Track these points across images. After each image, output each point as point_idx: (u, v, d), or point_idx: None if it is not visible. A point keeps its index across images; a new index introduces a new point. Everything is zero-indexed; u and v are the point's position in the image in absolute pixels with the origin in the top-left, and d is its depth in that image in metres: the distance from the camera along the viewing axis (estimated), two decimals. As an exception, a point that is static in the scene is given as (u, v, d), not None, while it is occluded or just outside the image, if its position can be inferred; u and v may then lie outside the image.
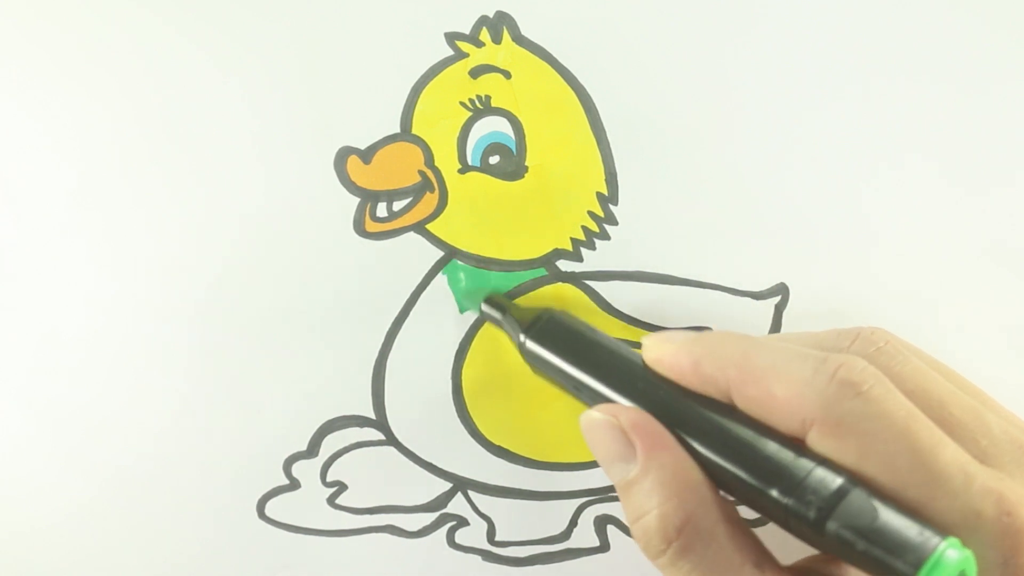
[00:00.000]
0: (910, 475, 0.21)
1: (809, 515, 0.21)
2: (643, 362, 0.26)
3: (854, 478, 0.22)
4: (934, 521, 0.20)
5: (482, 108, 0.30)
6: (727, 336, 0.25)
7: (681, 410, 0.25)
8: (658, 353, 0.25)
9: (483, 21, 0.29)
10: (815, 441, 0.22)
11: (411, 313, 0.31)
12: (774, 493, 0.22)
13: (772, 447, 0.23)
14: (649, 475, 0.23)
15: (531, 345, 0.28)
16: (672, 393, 0.25)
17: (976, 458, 0.22)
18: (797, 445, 0.23)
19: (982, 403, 0.24)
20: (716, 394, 0.24)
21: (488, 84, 0.30)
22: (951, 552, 0.20)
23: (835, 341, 0.25)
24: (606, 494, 0.32)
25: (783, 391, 0.22)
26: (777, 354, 0.23)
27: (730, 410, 0.24)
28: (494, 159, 0.30)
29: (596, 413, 0.25)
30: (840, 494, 0.21)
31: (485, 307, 0.30)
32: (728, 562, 0.23)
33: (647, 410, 0.25)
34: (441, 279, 0.31)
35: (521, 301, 0.31)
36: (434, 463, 0.32)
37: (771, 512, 0.23)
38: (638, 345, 0.29)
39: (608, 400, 0.26)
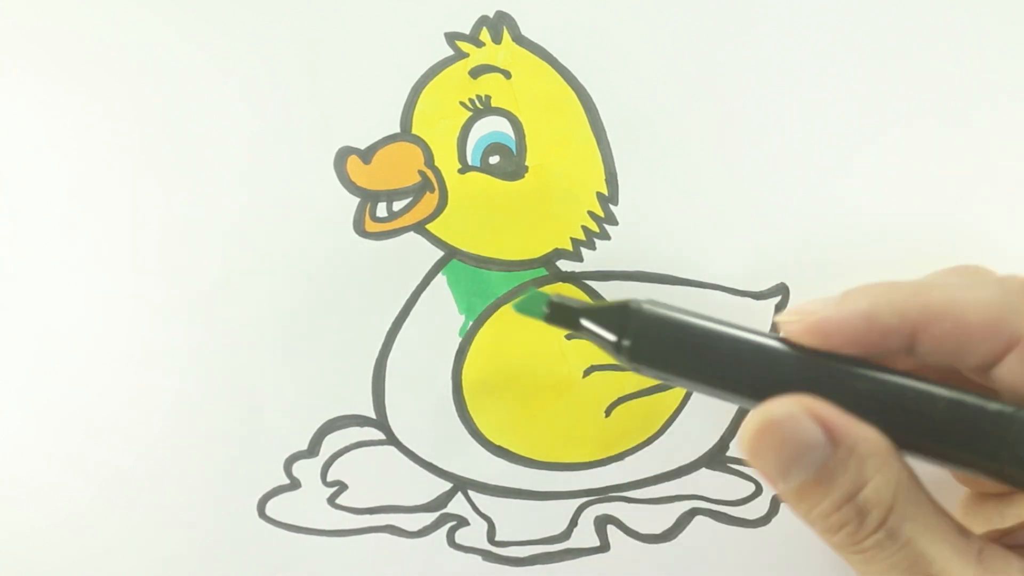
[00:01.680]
0: None
1: None
2: (780, 345, 0.23)
3: None
4: None
5: (482, 108, 0.30)
6: (884, 284, 0.23)
7: (853, 383, 0.22)
8: (816, 320, 0.22)
9: (483, 21, 0.29)
10: (1016, 364, 0.21)
11: (411, 313, 0.31)
12: (986, 434, 0.21)
13: (971, 400, 0.21)
14: (854, 451, 0.21)
15: (643, 370, 0.23)
16: (834, 367, 0.22)
17: None
18: (987, 390, 0.21)
19: None
20: (896, 345, 0.22)
21: (488, 84, 0.30)
22: None
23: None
24: (606, 494, 0.32)
25: (977, 316, 0.21)
26: (950, 287, 0.22)
27: (905, 374, 0.22)
28: (494, 159, 0.30)
29: (775, 407, 0.22)
30: None
31: (548, 315, 0.24)
32: (938, 530, 0.21)
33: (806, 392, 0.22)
34: (441, 279, 0.31)
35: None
36: (434, 463, 0.32)
37: (983, 467, 0.21)
38: None
39: (758, 380, 0.23)
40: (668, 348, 0.23)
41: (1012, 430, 0.21)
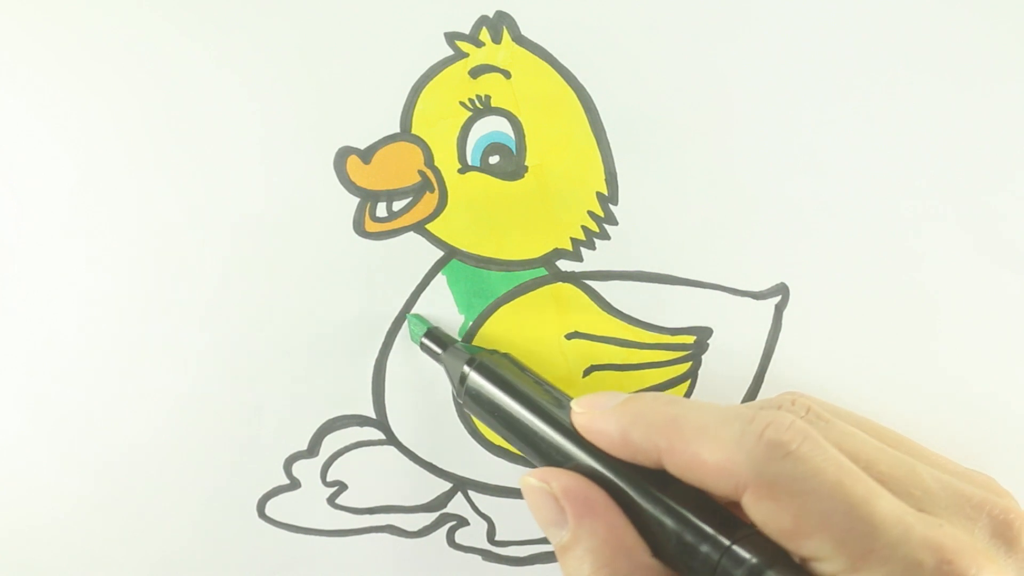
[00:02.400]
0: (848, 531, 0.21)
1: None
2: (565, 430, 0.26)
3: (778, 550, 0.22)
4: (875, 574, 0.20)
5: (482, 108, 0.30)
6: (655, 401, 0.24)
7: (611, 474, 0.24)
8: (586, 420, 0.25)
9: (483, 21, 0.29)
10: (750, 504, 0.22)
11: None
12: (696, 565, 0.22)
13: (696, 519, 0.23)
14: (580, 542, 0.24)
15: (474, 377, 0.28)
16: (602, 457, 0.25)
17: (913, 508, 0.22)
18: (727, 513, 0.23)
19: (912, 454, 0.24)
20: (646, 461, 0.24)
21: (488, 84, 0.30)
22: None
23: (761, 407, 0.25)
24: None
25: (712, 456, 0.22)
26: (705, 417, 0.23)
27: (661, 475, 0.24)
28: (494, 159, 0.30)
29: (531, 479, 0.25)
30: (755, 574, 0.21)
31: (425, 340, 0.30)
32: None
33: (581, 469, 0.25)
34: (441, 279, 0.31)
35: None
36: (434, 463, 0.32)
37: None
38: (634, 345, 0.29)
39: (540, 446, 0.26)
40: (485, 408, 0.28)
41: (718, 571, 0.22)
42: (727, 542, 0.22)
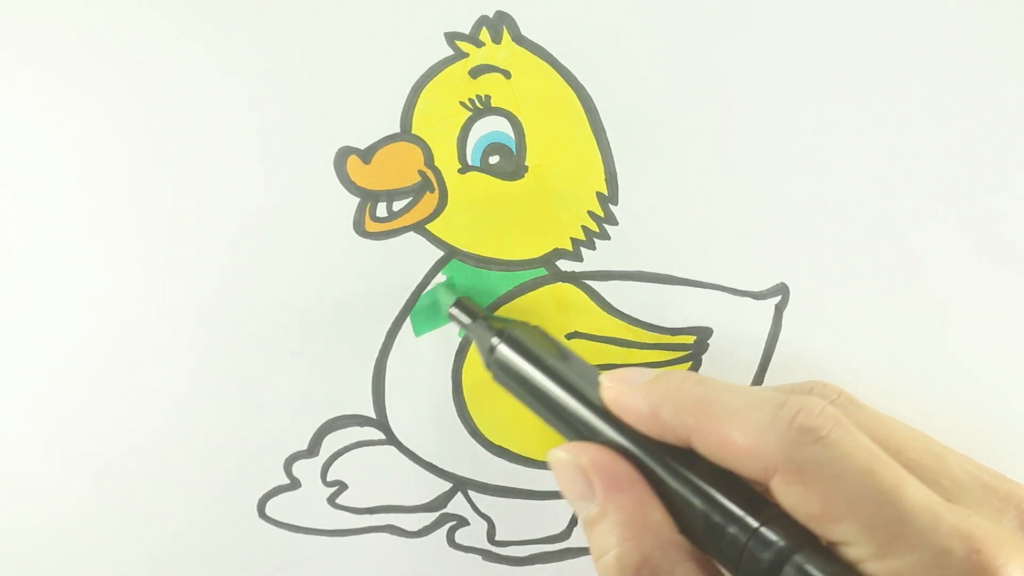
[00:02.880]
0: (877, 516, 0.21)
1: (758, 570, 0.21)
2: (595, 402, 0.26)
3: (806, 534, 0.22)
4: (903, 560, 0.20)
5: (482, 108, 0.30)
6: (685, 380, 0.24)
7: (640, 450, 0.24)
8: (615, 395, 0.25)
9: (483, 21, 0.29)
10: (779, 487, 0.22)
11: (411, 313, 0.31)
12: (723, 546, 0.22)
13: (724, 499, 0.23)
14: (608, 516, 0.24)
15: (503, 349, 0.28)
16: (631, 433, 0.25)
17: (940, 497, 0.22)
18: (753, 493, 0.23)
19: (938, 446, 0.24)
20: (675, 440, 0.24)
21: (488, 84, 0.30)
22: None
23: (791, 391, 0.25)
24: (606, 494, 0.32)
25: (742, 439, 0.22)
26: (736, 399, 0.23)
27: (689, 454, 0.24)
28: (494, 159, 0.30)
29: (561, 452, 0.25)
30: (782, 557, 0.21)
31: (455, 310, 0.30)
32: None
33: (610, 444, 0.25)
34: (441, 279, 0.31)
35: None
36: (434, 463, 0.32)
37: (726, 562, 0.23)
38: (634, 345, 0.29)
39: (570, 420, 0.26)
40: (514, 379, 0.27)
41: (745, 553, 0.22)
42: (755, 524, 0.22)
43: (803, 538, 0.21)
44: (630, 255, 0.31)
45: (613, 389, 0.25)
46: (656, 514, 0.23)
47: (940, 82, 0.30)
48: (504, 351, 0.28)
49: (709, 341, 0.32)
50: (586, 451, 0.25)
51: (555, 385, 0.27)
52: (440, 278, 0.31)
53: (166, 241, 0.30)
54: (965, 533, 0.20)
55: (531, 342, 0.28)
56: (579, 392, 0.26)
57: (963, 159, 0.31)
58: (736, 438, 0.22)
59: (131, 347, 0.30)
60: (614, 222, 0.31)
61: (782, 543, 0.21)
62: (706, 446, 0.23)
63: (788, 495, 0.22)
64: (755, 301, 0.31)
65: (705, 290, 0.31)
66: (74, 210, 0.29)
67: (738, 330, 0.32)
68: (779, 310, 0.31)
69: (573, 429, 0.26)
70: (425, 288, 0.31)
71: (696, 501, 0.23)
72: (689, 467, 0.23)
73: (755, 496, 0.23)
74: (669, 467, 0.24)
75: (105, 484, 0.32)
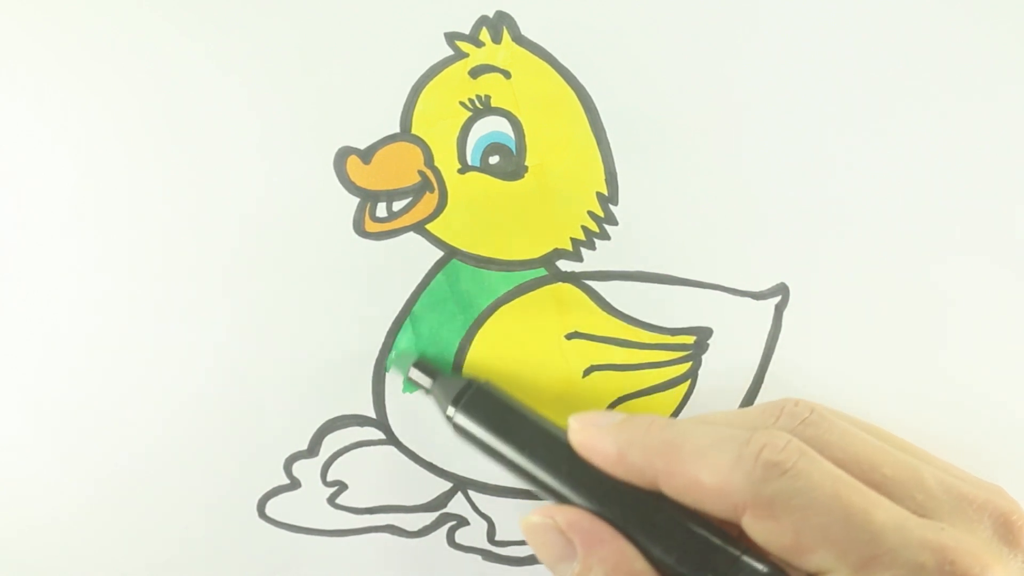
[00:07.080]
0: (848, 541, 0.21)
1: None
2: (567, 451, 0.26)
3: (779, 567, 0.22)
4: None
5: (482, 108, 0.30)
6: (652, 423, 0.25)
7: (610, 495, 0.25)
8: (584, 438, 0.25)
9: (483, 21, 0.29)
10: (750, 524, 0.22)
11: (411, 313, 0.31)
12: None
13: (697, 537, 0.23)
14: (591, 570, 0.24)
15: (460, 419, 0.28)
16: (601, 478, 0.25)
17: (915, 513, 0.22)
18: (724, 531, 0.23)
19: (915, 457, 0.24)
20: (643, 483, 0.24)
21: (488, 84, 0.30)
22: None
23: (760, 418, 0.25)
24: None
25: (710, 479, 0.23)
26: (701, 439, 0.23)
27: (660, 497, 0.24)
28: (494, 159, 0.30)
29: (534, 517, 0.26)
30: None
31: (414, 373, 0.30)
32: None
33: (576, 493, 0.25)
34: (441, 279, 0.31)
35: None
36: (434, 463, 0.32)
37: None
38: (634, 345, 0.29)
39: (536, 480, 0.26)
40: (488, 411, 0.28)
41: None
42: (737, 552, 0.22)
43: (777, 572, 0.22)
44: (630, 255, 0.31)
45: (582, 432, 0.25)
46: (638, 563, 0.24)
47: (943, 82, 0.30)
48: (462, 421, 0.28)
49: (709, 341, 0.32)
50: (560, 512, 0.25)
51: (516, 453, 0.27)
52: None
53: (166, 241, 0.30)
54: (937, 546, 0.21)
55: (488, 408, 0.28)
56: (542, 455, 0.26)
57: (964, 159, 0.31)
58: (704, 479, 0.23)
59: (131, 347, 0.30)
60: (614, 222, 0.31)
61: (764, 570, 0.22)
62: (675, 488, 0.23)
63: (760, 530, 0.22)
64: (755, 301, 0.31)
65: (705, 290, 0.31)
66: (74, 211, 0.29)
67: (738, 330, 0.32)
68: (779, 310, 0.31)
69: (540, 489, 0.26)
70: (425, 288, 0.31)
71: (668, 546, 0.23)
72: (660, 513, 0.24)
73: (727, 538, 0.23)
74: (641, 515, 0.24)
75: (105, 484, 0.32)
